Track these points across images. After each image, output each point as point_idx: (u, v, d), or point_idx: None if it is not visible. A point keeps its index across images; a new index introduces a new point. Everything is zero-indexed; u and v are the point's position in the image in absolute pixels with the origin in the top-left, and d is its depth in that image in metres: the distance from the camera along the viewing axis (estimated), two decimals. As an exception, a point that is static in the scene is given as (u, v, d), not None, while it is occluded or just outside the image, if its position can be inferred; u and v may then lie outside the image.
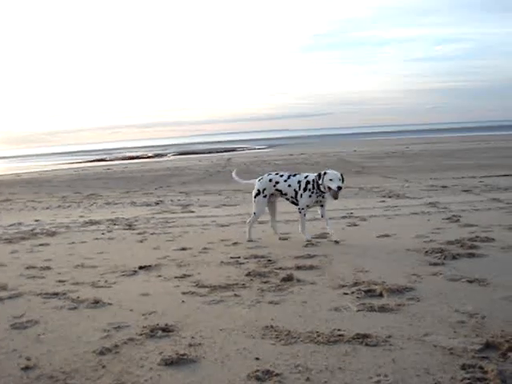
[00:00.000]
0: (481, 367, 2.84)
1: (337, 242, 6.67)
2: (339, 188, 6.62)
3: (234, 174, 8.27)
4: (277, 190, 7.23)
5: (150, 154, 49.62)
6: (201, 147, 62.13)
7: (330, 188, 6.69)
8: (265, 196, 7.24)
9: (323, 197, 6.96)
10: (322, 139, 75.62)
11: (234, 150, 50.97)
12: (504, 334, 3.30)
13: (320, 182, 6.81)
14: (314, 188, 6.90)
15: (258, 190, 7.28)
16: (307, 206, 6.99)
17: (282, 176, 7.28)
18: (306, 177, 7.08)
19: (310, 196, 6.91)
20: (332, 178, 6.69)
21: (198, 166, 27.12)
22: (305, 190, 6.97)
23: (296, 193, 7.07)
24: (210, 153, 45.80)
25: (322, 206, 7.10)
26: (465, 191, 11.65)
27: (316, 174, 6.98)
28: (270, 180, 7.29)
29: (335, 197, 6.75)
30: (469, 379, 2.71)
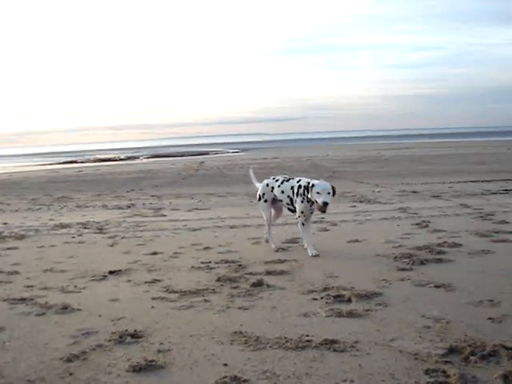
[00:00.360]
0: (444, 371, 2.90)
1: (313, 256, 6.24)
2: (325, 204, 6.03)
3: (251, 171, 7.85)
4: (275, 195, 6.90)
5: (122, 157, 49.18)
6: (174, 150, 61.85)
7: (316, 201, 6.16)
8: (265, 201, 6.97)
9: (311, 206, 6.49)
10: (295, 143, 76.02)
11: (207, 153, 50.86)
12: (467, 338, 3.37)
13: (308, 194, 6.30)
14: (304, 195, 6.39)
15: (259, 196, 7.07)
16: (302, 213, 6.44)
17: (277, 181, 6.90)
18: (298, 181, 6.61)
19: (302, 201, 6.40)
20: (320, 191, 6.12)
21: (170, 169, 26.99)
22: (297, 194, 6.49)
23: (291, 200, 6.65)
24: (182, 156, 45.60)
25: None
26: (434, 197, 11.83)
27: (307, 181, 6.47)
28: (267, 185, 7.00)
29: (321, 210, 6.19)
30: (432, 383, 2.76)
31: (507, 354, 3.09)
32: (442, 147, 40.65)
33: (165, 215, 10.67)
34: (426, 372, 2.91)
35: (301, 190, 6.43)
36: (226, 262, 6.06)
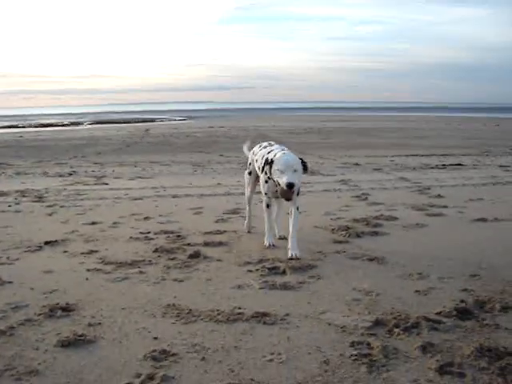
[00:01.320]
0: (368, 344, 3.00)
1: (291, 259, 4.81)
2: (290, 185, 4.68)
3: (246, 145, 6.58)
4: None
5: (65, 122, 47.67)
6: (118, 117, 60.36)
7: (278, 184, 4.86)
8: (249, 173, 5.90)
9: None
10: (242, 113, 75.62)
11: (153, 120, 49.92)
12: (393, 311, 3.49)
13: (268, 173, 5.09)
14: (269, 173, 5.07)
15: (247, 165, 6.04)
16: (266, 194, 5.31)
17: (259, 147, 5.75)
18: (269, 152, 5.31)
19: (266, 181, 5.21)
20: (281, 167, 4.79)
21: (114, 136, 26.36)
22: (262, 170, 5.31)
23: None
24: (127, 123, 44.55)
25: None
26: (376, 170, 12.07)
27: (273, 154, 5.15)
28: (253, 153, 5.83)
29: (286, 198, 4.87)
30: (356, 355, 2.85)
31: (428, 326, 3.22)
32: (385, 121, 41.44)
33: (107, 183, 10.46)
34: (351, 344, 3.00)
35: (266, 167, 5.12)
36: (165, 232, 6.01)
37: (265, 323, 3.36)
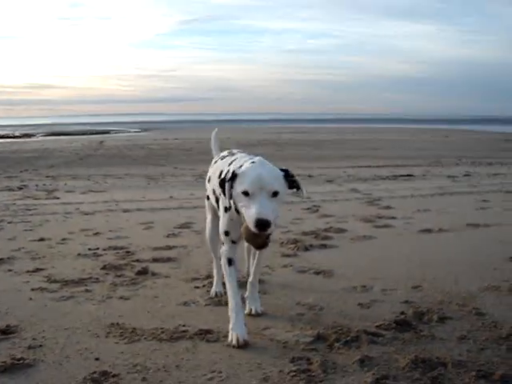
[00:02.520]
0: (308, 359, 3.05)
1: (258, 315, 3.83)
2: (262, 224, 2.93)
3: (213, 135, 4.81)
4: None
5: (16, 134, 46.59)
6: (72, 128, 59.34)
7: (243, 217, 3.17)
8: (208, 197, 4.18)
9: None
10: (198, 125, 75.50)
11: (107, 132, 49.34)
12: (335, 325, 3.55)
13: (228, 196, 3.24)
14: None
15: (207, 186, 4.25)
16: (226, 233, 3.53)
17: (217, 157, 4.23)
18: (229, 163, 3.59)
19: (225, 210, 3.49)
20: (249, 187, 3.05)
21: (68, 148, 25.97)
22: (221, 191, 3.37)
23: (216, 198, 3.82)
24: (81, 134, 43.89)
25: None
26: (328, 181, 12.26)
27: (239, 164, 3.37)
28: (215, 162, 4.15)
29: (256, 245, 3.21)
30: (295, 371, 2.89)
31: (367, 339, 3.29)
32: (339, 132, 42.09)
33: (58, 198, 10.30)
34: (292, 360, 3.04)
35: (226, 184, 3.24)
36: (115, 248, 5.96)
37: (208, 341, 3.37)
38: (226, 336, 3.39)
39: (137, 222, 7.57)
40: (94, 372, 2.94)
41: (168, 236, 6.62)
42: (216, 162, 4.08)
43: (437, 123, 71.88)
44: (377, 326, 3.54)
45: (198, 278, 4.75)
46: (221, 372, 2.94)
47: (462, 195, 10.01)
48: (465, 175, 13.53)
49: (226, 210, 3.48)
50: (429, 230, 6.73)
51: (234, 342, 3.28)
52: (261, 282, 4.45)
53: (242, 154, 3.76)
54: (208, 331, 3.48)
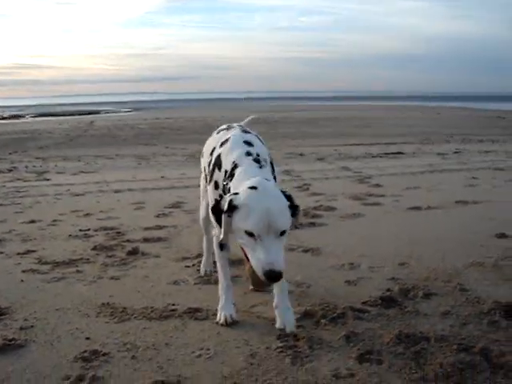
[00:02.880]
0: (295, 335, 3.11)
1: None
2: (273, 276, 2.58)
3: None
4: None
5: (5, 115, 46.15)
6: (62, 109, 58.77)
7: (246, 256, 3.02)
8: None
9: None
10: (189, 104, 75.02)
11: (97, 112, 48.94)
12: (322, 302, 3.61)
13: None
14: (223, 186, 3.13)
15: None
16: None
17: (218, 129, 3.83)
18: (222, 143, 3.33)
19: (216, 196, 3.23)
20: (255, 227, 2.62)
21: (58, 129, 25.75)
22: (210, 173, 3.32)
23: (206, 176, 3.62)
24: (71, 115, 43.47)
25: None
26: (319, 159, 12.29)
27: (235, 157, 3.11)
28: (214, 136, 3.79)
29: (260, 288, 3.49)
30: (281, 347, 2.95)
31: (353, 316, 3.36)
32: (331, 110, 42.00)
33: (48, 179, 10.28)
34: (278, 337, 3.10)
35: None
36: (105, 229, 5.99)
37: (196, 319, 3.43)
38: (215, 314, 3.45)
39: (128, 202, 7.59)
40: (85, 351, 3.00)
41: (159, 216, 6.65)
42: (211, 136, 3.79)
43: (428, 100, 71.85)
44: (363, 303, 3.61)
45: (188, 258, 4.80)
46: (209, 349, 3.00)
47: (452, 172, 10.07)
48: (455, 152, 13.58)
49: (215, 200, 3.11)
50: (418, 208, 6.79)
51: (222, 320, 3.29)
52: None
53: (237, 135, 3.33)
54: (197, 309, 3.54)
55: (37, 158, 14.14)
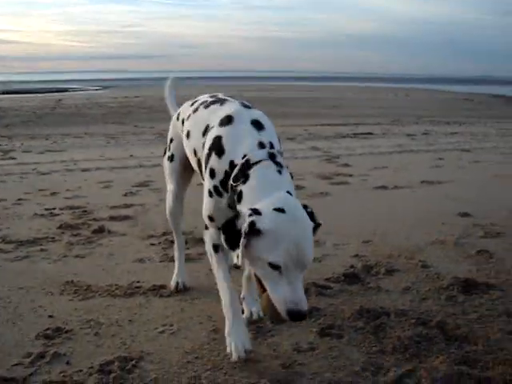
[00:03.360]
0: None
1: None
2: (299, 316, 2.24)
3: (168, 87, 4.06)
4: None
5: (-31, 93, 44.89)
6: (28, 86, 57.35)
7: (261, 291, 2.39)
8: (171, 158, 3.47)
9: None
10: (158, 82, 73.79)
11: (65, 90, 47.87)
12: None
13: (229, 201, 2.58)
14: (225, 179, 2.62)
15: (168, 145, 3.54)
16: (211, 219, 2.76)
17: (195, 102, 3.27)
18: (222, 122, 2.74)
19: (211, 193, 2.70)
20: (284, 259, 2.20)
21: (24, 106, 25.09)
22: (206, 159, 2.74)
23: (198, 160, 2.99)
24: (38, 93, 42.40)
25: None
26: (289, 139, 12.29)
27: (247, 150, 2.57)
28: (178, 115, 3.42)
29: (282, 322, 2.58)
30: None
31: (316, 291, 3.43)
32: (301, 90, 41.98)
33: (14, 158, 10.07)
34: (242, 312, 3.13)
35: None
36: (71, 208, 5.92)
37: (161, 296, 3.45)
38: (179, 290, 3.48)
39: (95, 181, 7.51)
40: (48, 329, 2.99)
41: (126, 195, 6.60)
42: (196, 110, 3.07)
43: (399, 82, 72.35)
44: (326, 279, 3.67)
45: (154, 236, 4.79)
46: (172, 325, 3.03)
47: (420, 153, 10.23)
48: (423, 134, 13.76)
49: (211, 193, 2.68)
50: (384, 187, 6.89)
51: (235, 356, 2.60)
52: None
53: (235, 106, 2.85)
54: (161, 286, 3.56)
55: (2, 137, 13.81)
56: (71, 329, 2.99)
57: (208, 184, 2.70)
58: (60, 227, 5.11)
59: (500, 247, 4.39)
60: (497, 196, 6.48)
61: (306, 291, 3.33)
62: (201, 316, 3.14)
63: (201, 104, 3.11)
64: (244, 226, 2.24)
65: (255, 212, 2.28)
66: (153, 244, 4.57)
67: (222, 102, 3.00)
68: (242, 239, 2.24)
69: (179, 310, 3.22)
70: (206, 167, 2.72)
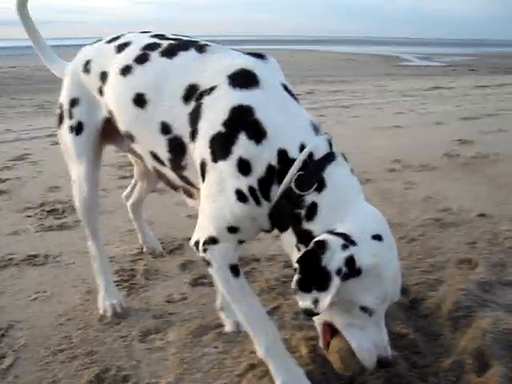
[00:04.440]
0: (132, 269, 3.25)
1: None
2: (386, 364, 1.86)
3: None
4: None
5: None
6: None
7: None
8: (77, 129, 2.48)
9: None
10: (36, 51, 69.61)
11: None
12: (163, 236, 3.75)
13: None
14: (271, 176, 1.88)
15: (60, 110, 2.55)
16: (232, 229, 2.03)
17: (121, 49, 2.27)
18: (237, 82, 1.96)
19: (240, 195, 1.90)
20: (380, 303, 1.77)
21: None
22: (225, 149, 1.89)
23: (180, 148, 2.10)
24: None
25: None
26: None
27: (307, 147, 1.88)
28: (87, 64, 2.42)
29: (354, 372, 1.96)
30: (118, 281, 3.08)
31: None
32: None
33: None
34: (116, 272, 3.20)
35: (252, 153, 1.86)
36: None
37: (35, 265, 3.41)
38: (55, 258, 3.47)
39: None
40: None
41: (1, 170, 6.30)
42: (144, 59, 2.15)
43: (282, 43, 73.22)
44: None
45: (31, 208, 4.65)
46: (45, 291, 3.03)
47: (302, 111, 10.54)
48: (308, 93, 14.15)
49: (244, 197, 1.92)
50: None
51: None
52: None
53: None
54: (35, 256, 3.52)
55: None
56: None
57: (235, 182, 1.89)
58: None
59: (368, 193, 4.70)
60: (373, 145, 6.88)
61: (181, 246, 3.50)
62: (75, 280, 3.16)
63: (147, 49, 2.16)
64: (338, 263, 1.66)
65: (349, 241, 1.71)
66: (29, 216, 4.43)
67: (197, 46, 2.09)
68: (334, 281, 1.66)
69: (53, 276, 3.22)
70: (218, 156, 1.91)
